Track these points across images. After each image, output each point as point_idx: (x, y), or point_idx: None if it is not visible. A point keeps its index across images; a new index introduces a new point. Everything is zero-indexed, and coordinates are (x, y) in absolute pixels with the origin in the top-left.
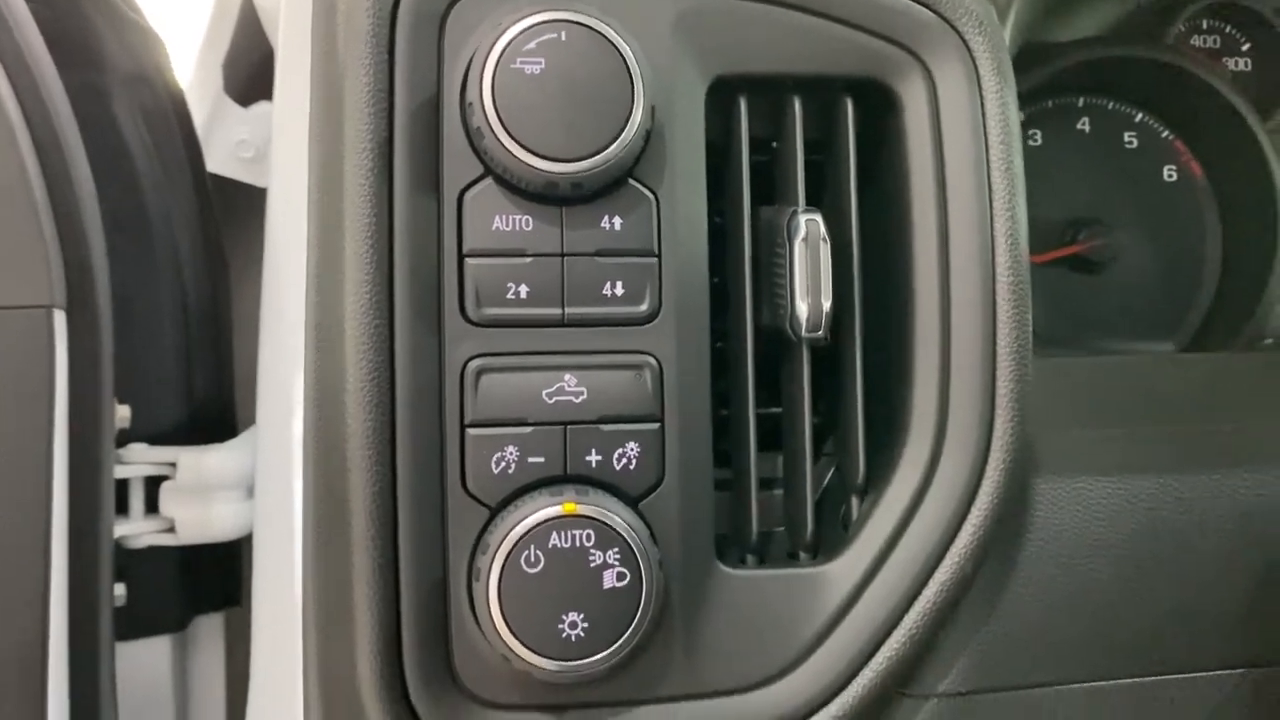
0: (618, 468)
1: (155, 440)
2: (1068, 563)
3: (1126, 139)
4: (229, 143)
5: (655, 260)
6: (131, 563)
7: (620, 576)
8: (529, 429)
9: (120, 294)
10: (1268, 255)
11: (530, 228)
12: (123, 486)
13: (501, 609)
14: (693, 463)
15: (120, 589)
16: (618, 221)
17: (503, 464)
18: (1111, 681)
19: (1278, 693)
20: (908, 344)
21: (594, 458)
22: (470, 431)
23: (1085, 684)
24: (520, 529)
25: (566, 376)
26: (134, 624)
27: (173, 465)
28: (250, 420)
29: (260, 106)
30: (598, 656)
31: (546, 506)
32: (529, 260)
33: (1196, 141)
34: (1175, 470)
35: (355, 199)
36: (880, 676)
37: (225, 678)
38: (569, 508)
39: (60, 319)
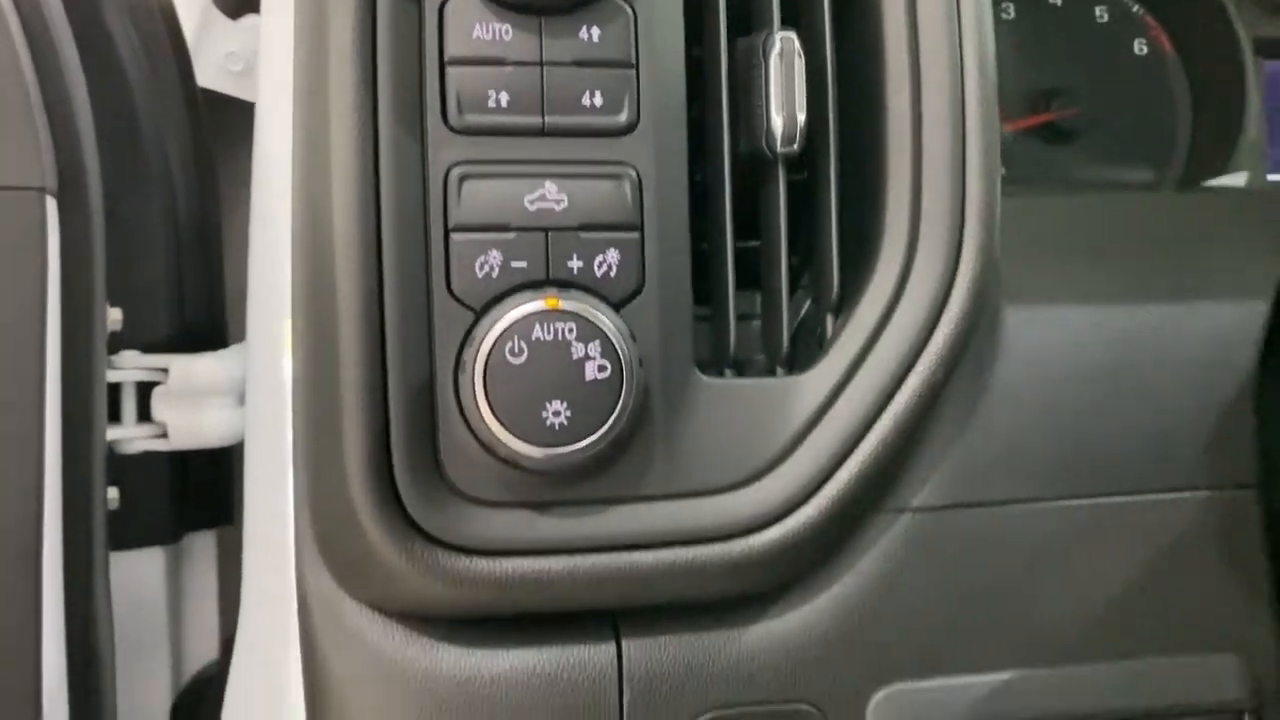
0: (598, 274)
1: (147, 349)
2: (1039, 383)
3: (1097, 13)
4: (218, 55)
5: (633, 71)
6: (125, 468)
7: (601, 369)
8: (511, 234)
9: (110, 199)
10: (1234, 132)
11: (510, 37)
12: (115, 392)
13: (487, 397)
14: (672, 272)
15: (113, 493)
16: (595, 32)
17: (486, 268)
18: (1081, 500)
19: (1240, 516)
20: (880, 161)
21: (575, 263)
22: (454, 236)
23: (1055, 502)
24: (505, 321)
25: (547, 184)
26: (128, 533)
27: (164, 371)
28: (241, 338)
29: (249, 19)
30: (580, 444)
31: (530, 301)
32: (509, 69)
33: (1166, 15)
34: (1146, 299)
35: (338, 8)
36: (855, 480)
37: (218, 596)
38: (551, 302)
39: (52, 205)
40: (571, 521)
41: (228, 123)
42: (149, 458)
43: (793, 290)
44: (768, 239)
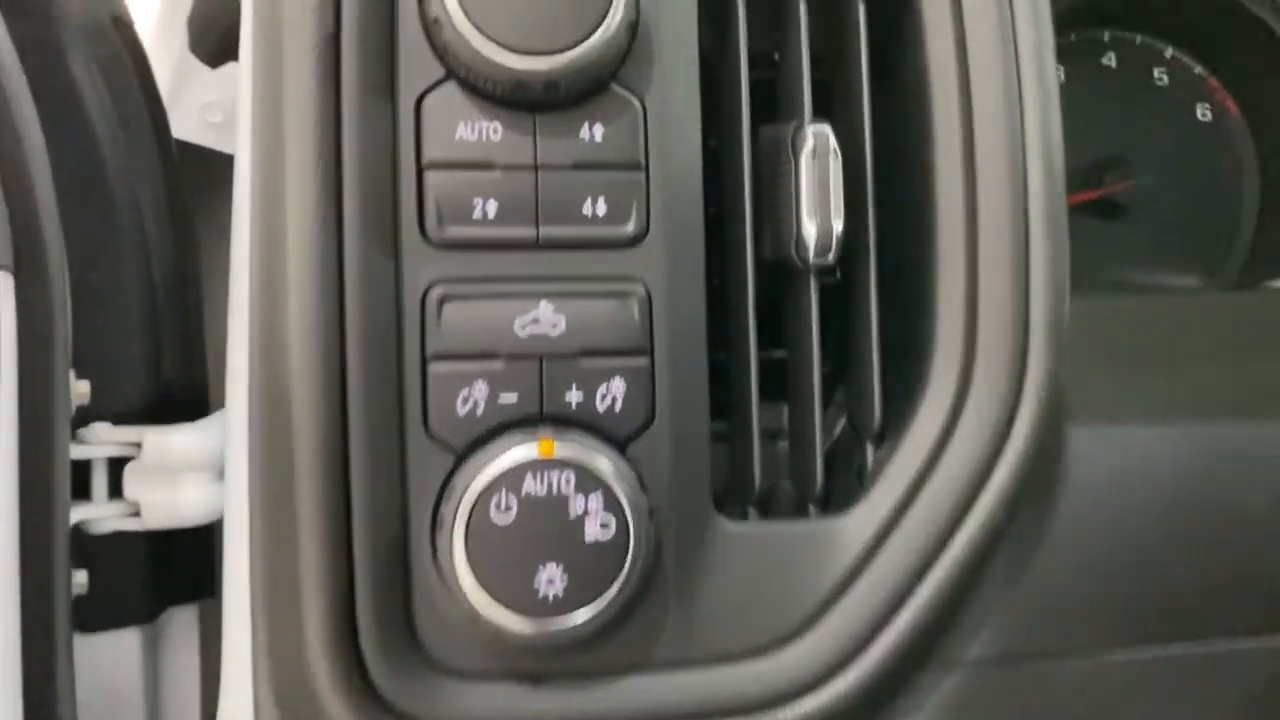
0: (600, 408)
1: (120, 420)
2: (1107, 514)
3: (1156, 75)
4: (195, 106)
5: (642, 174)
6: (95, 549)
7: (604, 526)
8: (499, 363)
9: (79, 263)
10: None
11: (499, 137)
12: (84, 469)
13: (469, 561)
14: (686, 402)
15: (81, 576)
16: (599, 130)
17: (470, 403)
18: (1159, 647)
19: None
20: (929, 269)
21: (574, 396)
22: (433, 367)
23: (1129, 651)
24: (490, 472)
25: (542, 305)
26: (100, 615)
27: (137, 445)
28: (222, 404)
29: (229, 67)
30: (578, 616)
31: (520, 445)
32: (498, 174)
33: (1233, 78)
34: (1223, 416)
35: (297, 105)
36: (902, 641)
37: (200, 674)
38: (545, 448)
39: (6, 283)
40: (570, 696)
41: (211, 173)
42: (121, 537)
43: (825, 405)
44: (797, 355)
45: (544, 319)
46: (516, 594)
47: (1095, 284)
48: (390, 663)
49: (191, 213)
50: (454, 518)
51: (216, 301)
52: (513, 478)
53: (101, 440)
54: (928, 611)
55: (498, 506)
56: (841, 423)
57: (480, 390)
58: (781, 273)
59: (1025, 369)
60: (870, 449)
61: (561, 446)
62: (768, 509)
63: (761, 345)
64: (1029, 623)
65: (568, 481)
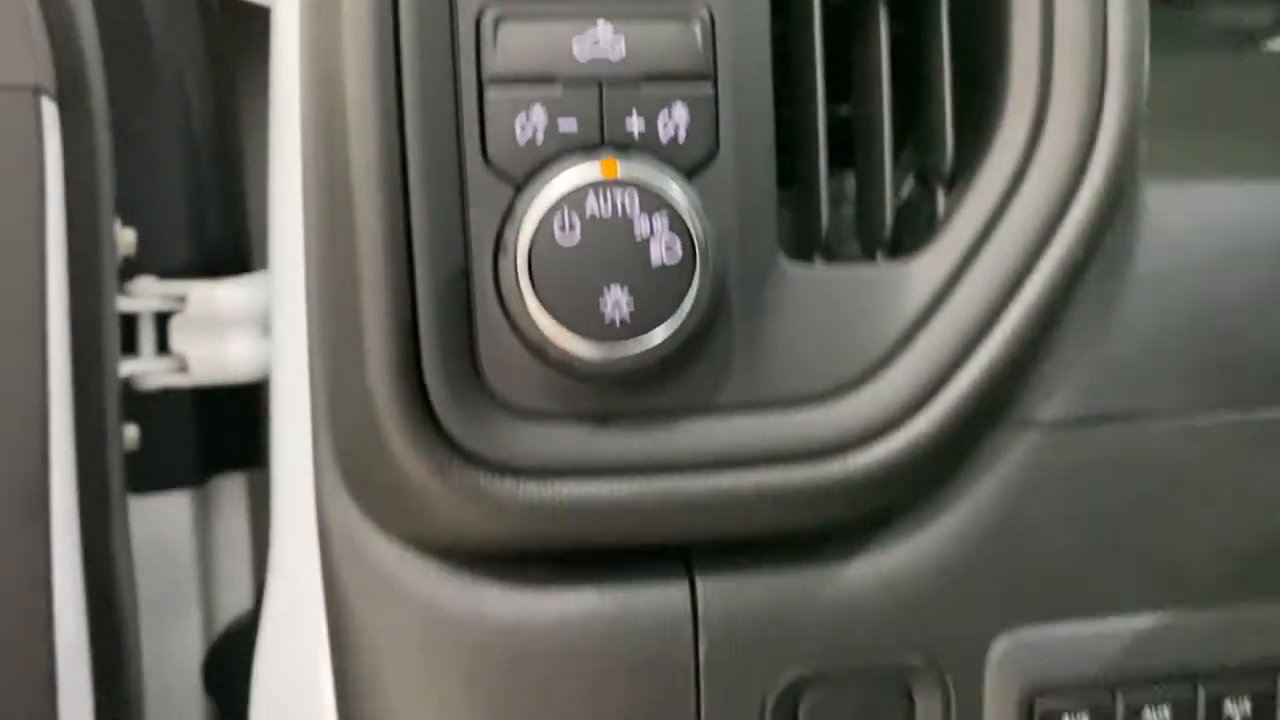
0: (664, 136)
1: (164, 276)
2: (1189, 273)
3: None
4: None
5: None
6: (144, 405)
7: (669, 249)
8: (558, 88)
9: (119, 114)
10: None
11: None
12: (131, 323)
13: (533, 285)
14: (753, 134)
15: (132, 432)
16: None
17: (529, 130)
18: (1242, 412)
19: None
20: (1000, 30)
21: (636, 123)
22: (490, 92)
23: (1210, 415)
24: (553, 192)
25: (601, 26)
26: (149, 475)
27: (183, 300)
28: (265, 266)
29: None
30: (647, 341)
31: (582, 166)
32: None
33: None
34: None
35: None
36: (976, 387)
37: (250, 543)
38: (608, 168)
39: (50, 108)
40: (637, 437)
41: (250, 32)
42: (170, 394)
43: (896, 156)
44: (867, 98)
45: (604, 40)
46: (583, 317)
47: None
48: (456, 400)
49: (233, 71)
50: (516, 240)
51: (254, 164)
52: (576, 198)
53: (147, 294)
54: (1001, 358)
55: (561, 228)
56: (909, 184)
57: (539, 116)
58: (849, 13)
59: (1103, 98)
60: (941, 194)
61: (625, 167)
62: (834, 257)
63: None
64: (1107, 384)
65: (632, 201)
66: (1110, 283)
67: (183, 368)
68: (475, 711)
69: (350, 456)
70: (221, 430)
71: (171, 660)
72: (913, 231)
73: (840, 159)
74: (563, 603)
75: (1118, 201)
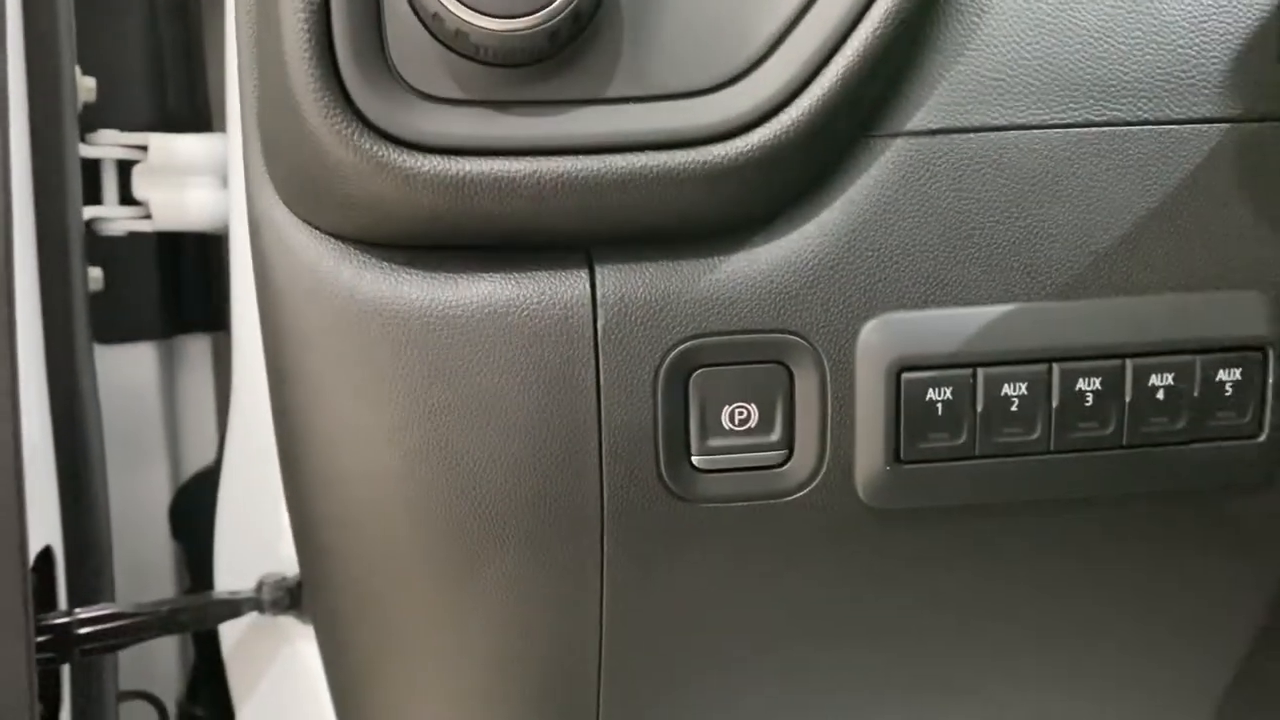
0: None
1: (125, 129)
2: (1055, 9)
3: None
4: None
5: None
6: (109, 251)
7: None
8: None
9: None
10: None
11: None
12: (94, 173)
13: None
14: None
15: (97, 272)
16: None
17: None
18: (1089, 127)
19: (1267, 149)
20: None
21: None
22: None
23: (1061, 129)
24: None
25: None
26: (116, 324)
27: (144, 149)
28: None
29: None
30: (535, 16)
31: None
32: None
33: None
34: None
35: None
36: (841, 83)
37: (216, 400)
38: None
39: None
40: (535, 121)
41: None
42: (134, 240)
43: None
44: None
45: None
46: None
47: None
48: (366, 82)
49: None
50: None
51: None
52: None
53: (109, 143)
54: (860, 61)
55: None
56: None
57: None
58: None
59: None
60: None
61: None
62: None
63: None
64: (968, 98)
65: None
66: (970, 9)
67: (146, 216)
68: (394, 385)
69: (276, 148)
70: (185, 283)
71: (140, 504)
72: None
73: None
74: (475, 288)
75: None
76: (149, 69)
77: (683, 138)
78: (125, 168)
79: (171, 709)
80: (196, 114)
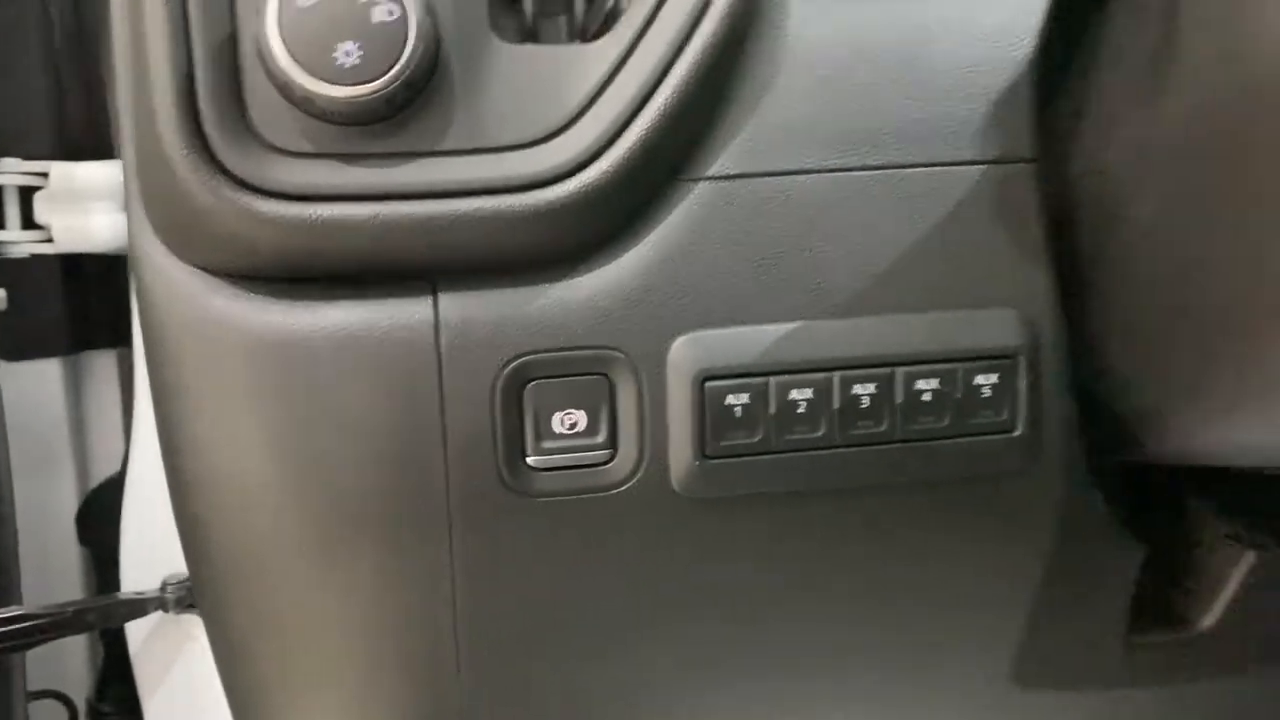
0: None
1: (28, 159)
2: (830, 65)
3: None
4: None
5: None
6: (13, 272)
7: (390, 12)
8: None
9: None
10: None
11: None
12: None
13: (281, 38)
14: None
15: (0, 293)
16: None
17: None
18: (866, 171)
19: (1019, 186)
20: None
21: None
22: None
23: (841, 172)
24: None
25: None
26: (21, 342)
27: (44, 175)
28: None
29: None
30: (373, 83)
31: None
32: None
33: None
34: None
35: None
36: (643, 139)
37: (122, 414)
38: None
39: None
40: (378, 170)
41: None
42: (38, 262)
43: None
44: None
45: None
46: (320, 64)
47: None
48: (228, 139)
49: None
50: (266, 6)
51: None
52: None
53: (11, 170)
54: (662, 117)
55: None
56: None
57: None
58: None
59: None
60: None
61: None
62: (541, 42)
63: None
64: (760, 147)
65: None
66: (762, 72)
67: (47, 240)
68: (261, 401)
69: (151, 193)
70: (89, 302)
71: (48, 512)
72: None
73: None
74: (331, 314)
75: (751, 12)
76: (50, 100)
77: (508, 185)
78: (27, 194)
79: (82, 707)
80: (99, 141)
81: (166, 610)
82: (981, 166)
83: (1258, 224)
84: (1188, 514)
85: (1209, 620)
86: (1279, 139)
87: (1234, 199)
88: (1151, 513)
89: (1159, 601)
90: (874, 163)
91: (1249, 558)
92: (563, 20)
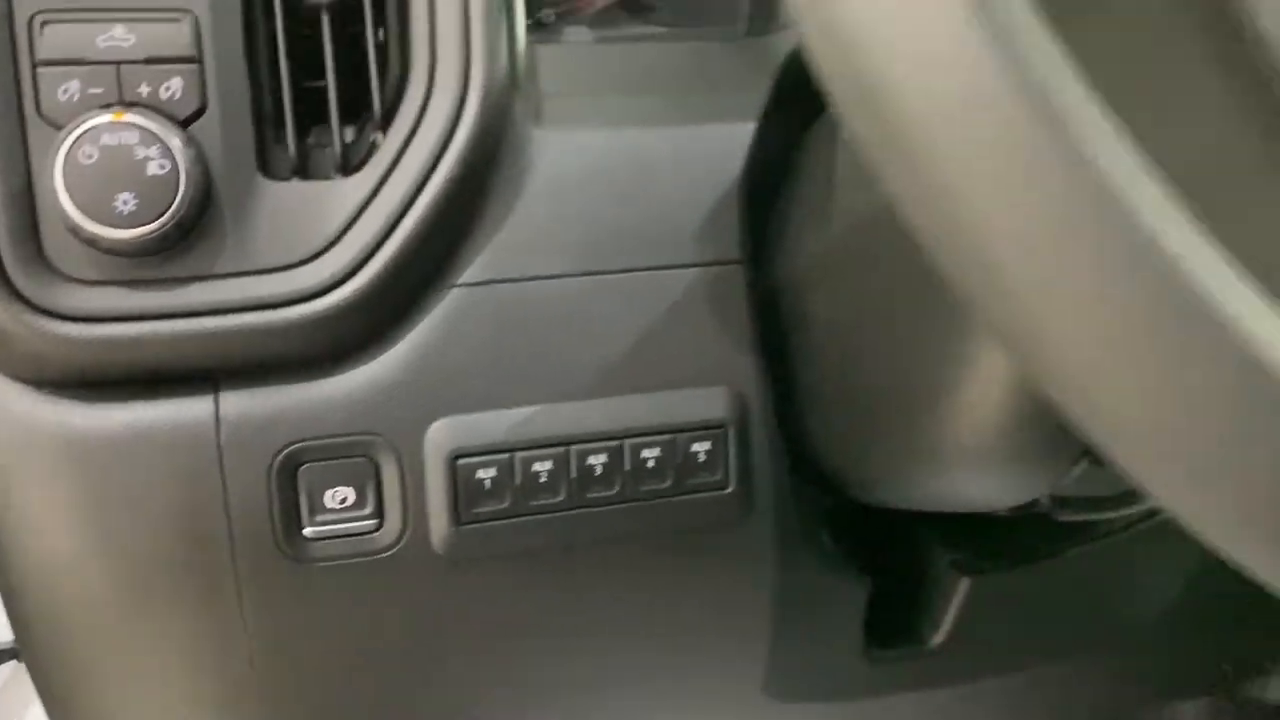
0: (164, 97)
1: None
2: (568, 187)
3: None
4: None
5: None
6: None
7: (161, 167)
8: (88, 67)
9: None
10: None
11: None
12: None
13: (67, 190)
14: (232, 95)
15: None
16: None
17: (68, 94)
18: (598, 275)
19: (729, 284)
20: (407, 14)
21: (144, 89)
22: (40, 69)
23: (578, 277)
24: (79, 130)
25: (117, 27)
26: None
27: None
28: None
29: None
30: (149, 225)
31: (102, 114)
32: None
33: None
34: (665, 125)
35: None
36: (394, 258)
37: None
38: (118, 115)
39: None
40: (158, 294)
41: None
42: None
43: (354, 111)
44: (328, 77)
45: (118, 35)
46: (102, 210)
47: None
48: (27, 274)
49: None
50: (55, 161)
51: None
52: (94, 133)
53: None
54: (411, 239)
55: (84, 154)
56: (370, 125)
57: (75, 85)
58: (315, 18)
59: (468, 81)
60: (381, 135)
61: (130, 115)
62: (309, 176)
63: (310, 77)
64: (507, 258)
65: (134, 135)
66: (509, 192)
67: None
68: (67, 490)
69: None
70: None
71: None
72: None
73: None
74: (125, 413)
75: (491, 144)
76: None
77: (274, 301)
78: None
79: None
80: None
81: (19, 660)
82: (697, 268)
83: (888, 324)
84: (918, 544)
85: (939, 638)
86: (899, 256)
87: (873, 303)
88: (890, 544)
89: (898, 621)
90: (609, 268)
91: (968, 582)
92: (329, 152)
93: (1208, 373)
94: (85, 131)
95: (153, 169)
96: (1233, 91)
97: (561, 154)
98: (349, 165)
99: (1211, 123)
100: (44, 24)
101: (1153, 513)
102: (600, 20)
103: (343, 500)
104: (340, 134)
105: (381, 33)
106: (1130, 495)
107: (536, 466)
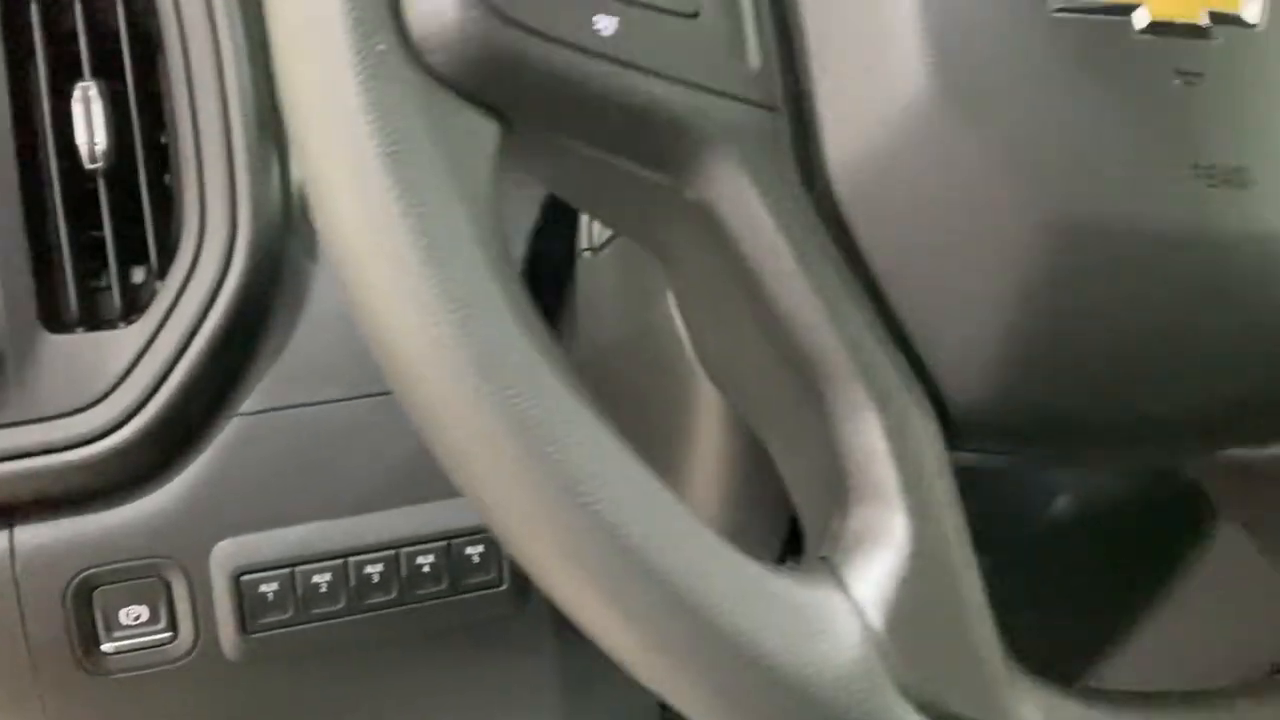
0: None
1: None
2: (345, 320)
3: None
4: None
5: None
6: None
7: None
8: None
9: None
10: None
11: None
12: None
13: None
14: (10, 260)
15: None
16: None
17: None
18: (374, 397)
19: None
20: (179, 170)
21: None
22: None
23: (353, 400)
24: None
25: None
26: None
27: None
28: None
29: None
30: None
31: None
32: None
33: None
34: None
35: None
36: (170, 400)
37: None
38: None
39: None
40: None
41: None
42: None
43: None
44: (105, 233)
45: None
46: None
47: None
48: None
49: None
50: None
51: None
52: None
53: None
54: (189, 378)
55: None
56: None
57: None
58: (92, 177)
59: (235, 231)
60: (157, 286)
61: None
62: (96, 325)
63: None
64: (286, 386)
65: None
66: (284, 328)
67: None
68: None
69: None
70: None
71: None
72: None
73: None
74: None
75: (262, 288)
76: None
77: (59, 445)
78: None
79: None
80: None
81: None
82: None
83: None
84: None
85: None
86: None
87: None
88: None
89: None
90: (378, 390)
91: None
92: (111, 295)
93: None
94: None
95: None
96: None
97: (335, 287)
98: (133, 308)
99: None
100: None
101: None
102: None
103: (137, 617)
104: (120, 282)
105: (166, 178)
106: None
107: (316, 579)
